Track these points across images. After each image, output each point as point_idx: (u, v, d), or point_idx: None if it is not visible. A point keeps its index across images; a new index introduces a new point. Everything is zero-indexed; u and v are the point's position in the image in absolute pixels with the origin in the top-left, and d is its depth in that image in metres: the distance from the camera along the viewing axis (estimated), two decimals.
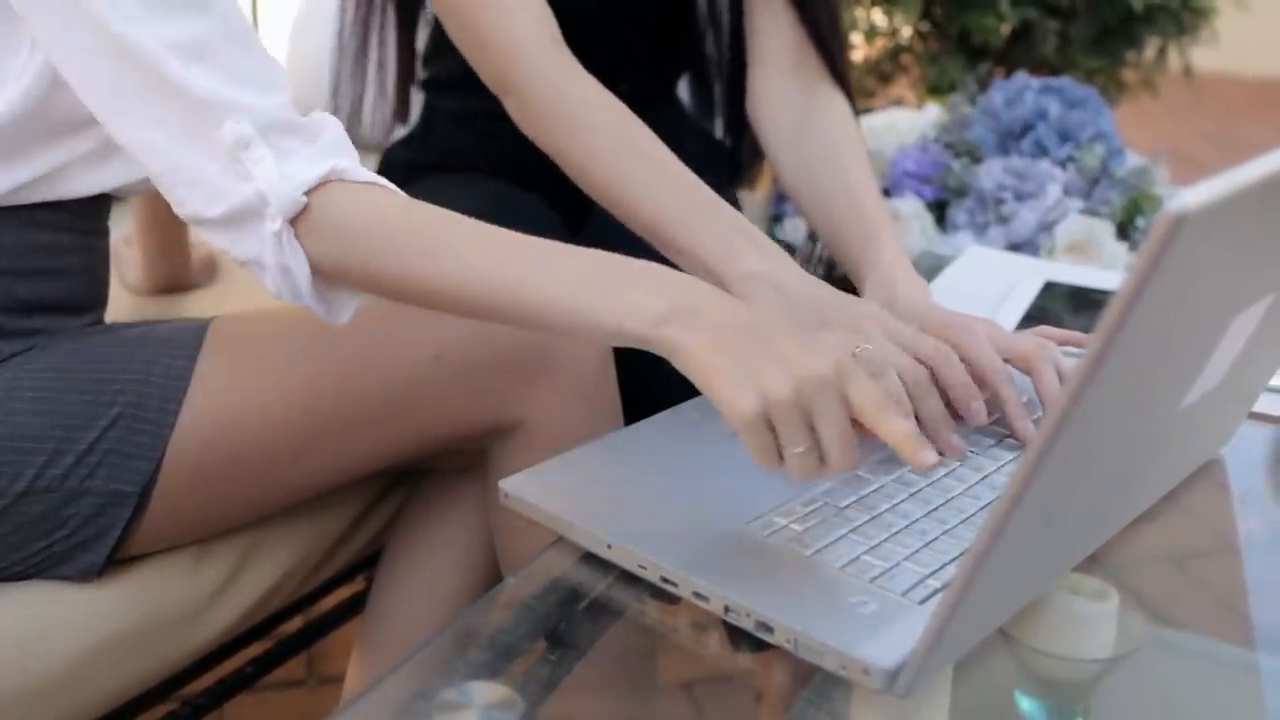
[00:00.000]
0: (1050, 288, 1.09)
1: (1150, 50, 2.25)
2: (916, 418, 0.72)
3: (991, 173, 1.47)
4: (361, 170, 0.72)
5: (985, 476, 0.72)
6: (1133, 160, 1.53)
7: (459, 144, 1.19)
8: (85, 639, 0.78)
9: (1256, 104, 4.84)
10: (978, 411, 0.75)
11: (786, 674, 0.60)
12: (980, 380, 0.77)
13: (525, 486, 0.69)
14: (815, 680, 0.58)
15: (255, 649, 1.02)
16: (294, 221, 0.69)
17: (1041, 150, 1.51)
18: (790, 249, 1.51)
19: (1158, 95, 2.33)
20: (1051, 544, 0.57)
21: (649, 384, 0.85)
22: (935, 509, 0.68)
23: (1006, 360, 0.77)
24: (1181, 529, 0.73)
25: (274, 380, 0.80)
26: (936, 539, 0.64)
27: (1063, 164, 1.50)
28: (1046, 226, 1.42)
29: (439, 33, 1.17)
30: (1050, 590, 0.61)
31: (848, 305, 0.79)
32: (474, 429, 0.84)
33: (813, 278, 0.82)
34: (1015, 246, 1.42)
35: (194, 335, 0.80)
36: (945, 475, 0.71)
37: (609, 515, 0.66)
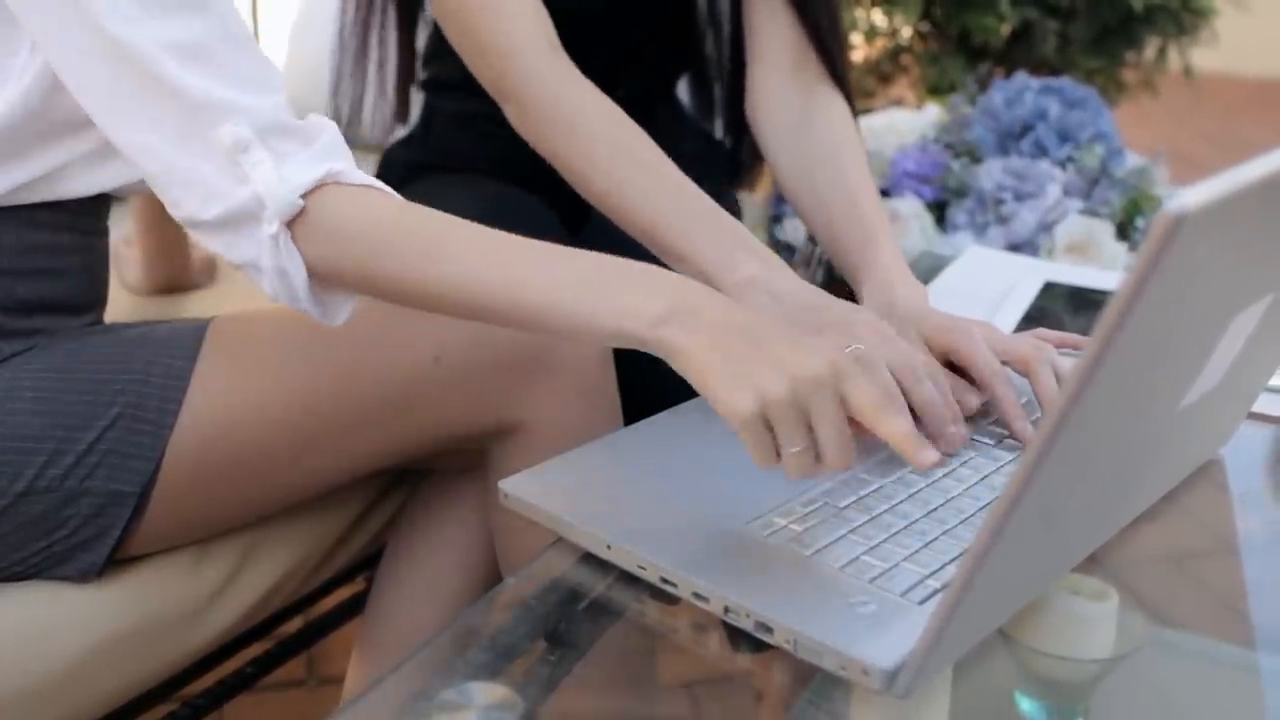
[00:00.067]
0: (1050, 288, 1.09)
1: (1150, 50, 2.25)
2: (913, 413, 0.73)
3: (991, 173, 1.47)
4: (358, 173, 0.72)
5: (984, 477, 0.72)
6: (1132, 160, 1.53)
7: (459, 145, 1.19)
8: (85, 639, 0.78)
9: (1256, 104, 4.84)
10: (955, 435, 0.74)
11: (786, 674, 0.60)
12: (978, 383, 0.77)
13: (525, 487, 0.69)
14: (815, 681, 0.58)
15: (255, 649, 1.02)
16: (290, 224, 0.69)
17: (1041, 150, 1.51)
18: (790, 250, 1.51)
19: (1157, 95, 2.33)
20: (1051, 544, 0.57)
21: (649, 384, 0.85)
22: (935, 509, 0.68)
23: (1004, 363, 0.78)
24: (1181, 529, 0.73)
25: (273, 380, 0.80)
26: (936, 539, 0.64)
27: (1062, 164, 1.50)
28: (1046, 227, 1.42)
29: (439, 34, 1.17)
30: (1050, 590, 0.61)
31: (843, 311, 0.79)
32: (474, 429, 0.84)
33: (809, 285, 0.82)
34: (1015, 247, 1.42)
35: (193, 335, 0.80)
36: (944, 476, 0.71)
37: (608, 515, 0.66)
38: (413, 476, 0.98)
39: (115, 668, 0.80)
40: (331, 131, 0.73)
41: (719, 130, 1.27)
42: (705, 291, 0.67)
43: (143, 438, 0.77)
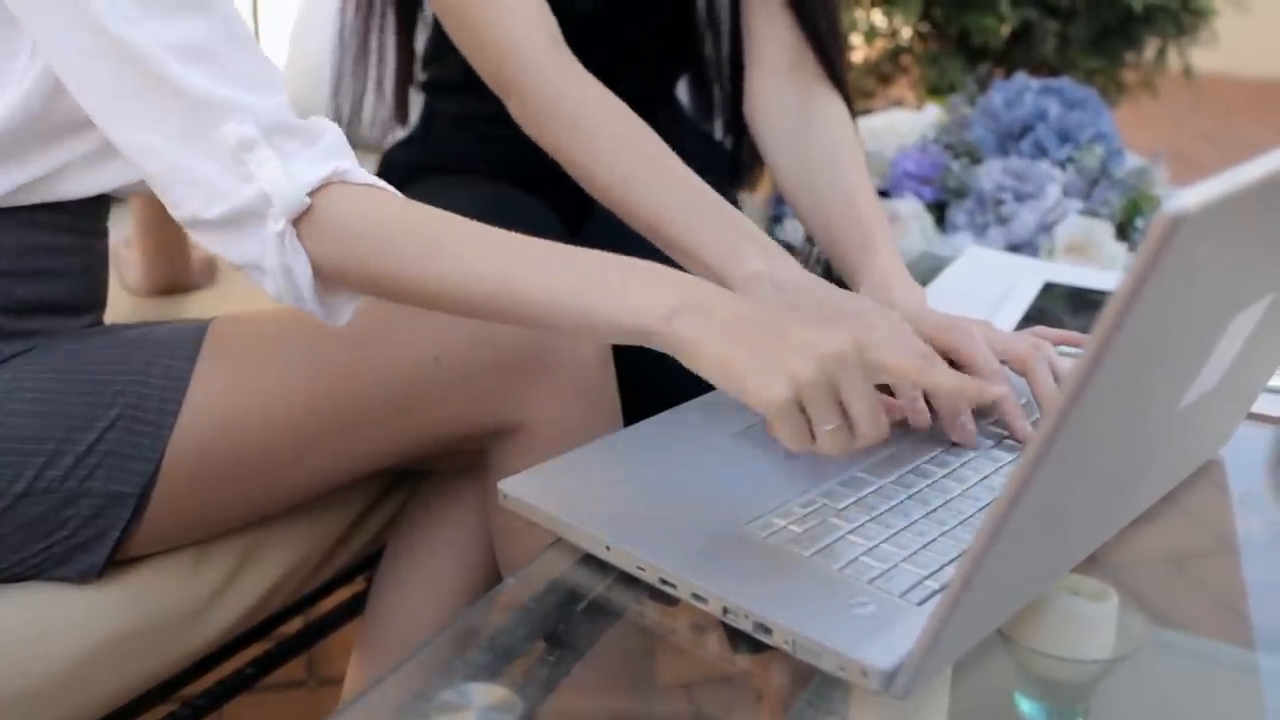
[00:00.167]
0: (1050, 288, 1.09)
1: (1150, 51, 2.25)
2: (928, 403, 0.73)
3: (991, 173, 1.47)
4: (362, 173, 0.73)
5: (984, 478, 0.72)
6: (1132, 161, 1.53)
7: (459, 146, 1.19)
8: (85, 640, 0.78)
9: (1256, 104, 4.84)
10: (969, 426, 0.75)
11: (785, 675, 0.60)
12: None
13: (524, 487, 0.69)
14: (814, 681, 0.58)
15: (255, 650, 1.02)
16: (296, 223, 0.69)
17: (1041, 151, 1.51)
18: (789, 250, 1.51)
19: (1157, 96, 2.33)
20: (1050, 545, 0.57)
21: (649, 385, 0.85)
22: (934, 510, 0.68)
23: (1003, 362, 0.78)
24: (1181, 530, 0.73)
25: (273, 381, 0.80)
26: (935, 540, 0.64)
27: (1062, 165, 1.49)
28: (1046, 227, 1.42)
29: (438, 35, 1.17)
30: (1049, 591, 0.61)
31: (851, 302, 0.79)
32: (473, 430, 0.84)
33: (815, 277, 0.82)
34: (1015, 247, 1.42)
35: (193, 336, 0.80)
36: (944, 476, 0.71)
37: (608, 516, 0.66)
38: (413, 477, 0.98)
39: (115, 668, 0.80)
40: (335, 132, 0.73)
41: (719, 131, 1.27)
42: (712, 289, 0.67)
43: (142, 439, 0.77)
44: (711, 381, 0.65)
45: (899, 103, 2.28)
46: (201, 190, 0.69)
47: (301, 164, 0.69)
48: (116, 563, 0.80)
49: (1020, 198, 1.44)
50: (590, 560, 0.66)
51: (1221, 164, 0.41)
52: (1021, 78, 1.61)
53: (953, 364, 0.79)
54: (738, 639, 0.60)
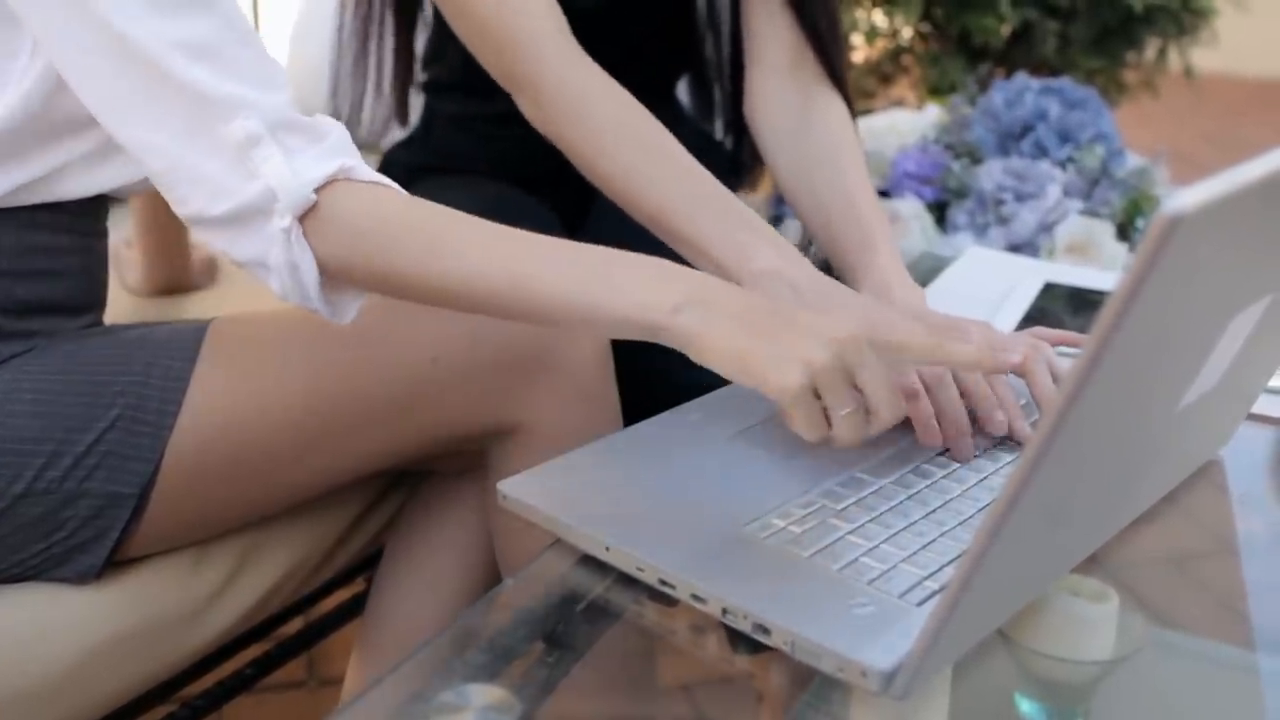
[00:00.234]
0: (1050, 289, 1.09)
1: (1150, 51, 2.25)
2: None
3: (991, 174, 1.47)
4: (367, 170, 0.73)
5: (983, 478, 0.72)
6: (1133, 161, 1.53)
7: (459, 146, 1.19)
8: (84, 641, 0.77)
9: (1256, 104, 4.84)
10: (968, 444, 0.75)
11: (785, 676, 0.60)
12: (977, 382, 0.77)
13: (524, 488, 0.69)
14: (814, 682, 0.57)
15: (255, 650, 1.02)
16: (302, 219, 0.69)
17: (1041, 151, 1.51)
18: None
19: (1158, 96, 2.33)
20: (1050, 545, 0.57)
21: (649, 385, 0.85)
22: (933, 511, 0.68)
23: None
24: (1181, 530, 0.73)
25: (273, 381, 0.80)
26: (934, 541, 0.64)
27: (1063, 165, 1.49)
28: (1046, 227, 1.42)
29: (438, 35, 1.17)
30: (1049, 591, 0.61)
31: (854, 297, 0.79)
32: (473, 430, 0.84)
33: (819, 272, 0.82)
34: (1015, 247, 1.42)
35: (193, 337, 0.80)
36: (943, 477, 0.71)
37: (607, 517, 0.66)
38: (412, 477, 0.98)
39: (114, 669, 0.80)
40: (340, 130, 0.73)
41: (719, 131, 1.27)
42: (717, 283, 0.67)
43: (142, 439, 0.76)
44: (722, 374, 0.65)
45: (899, 103, 2.28)
46: (206, 187, 0.69)
47: (307, 161, 0.69)
48: (116, 563, 0.80)
49: (1021, 198, 1.44)
50: (590, 561, 0.66)
51: (1222, 164, 0.41)
52: (1022, 78, 1.61)
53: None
54: (737, 640, 0.60)
